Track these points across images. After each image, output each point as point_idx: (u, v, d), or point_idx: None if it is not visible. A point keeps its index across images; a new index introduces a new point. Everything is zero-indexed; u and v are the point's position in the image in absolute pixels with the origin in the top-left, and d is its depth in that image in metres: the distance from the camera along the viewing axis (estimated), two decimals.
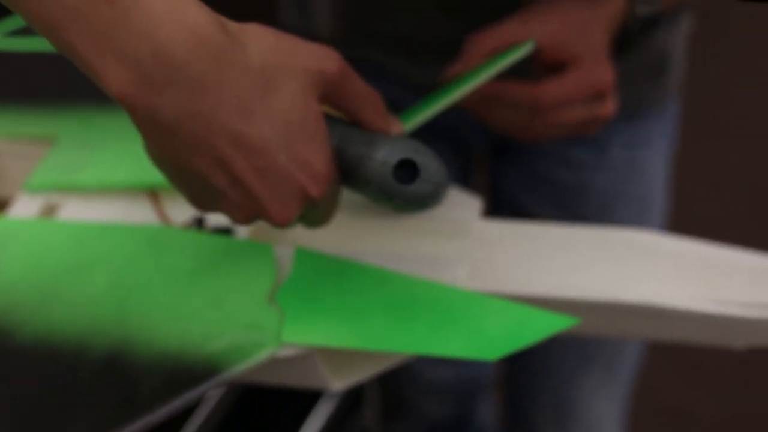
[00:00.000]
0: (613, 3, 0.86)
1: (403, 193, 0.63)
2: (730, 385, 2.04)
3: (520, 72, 0.84)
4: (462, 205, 0.79)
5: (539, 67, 0.85)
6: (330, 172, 0.61)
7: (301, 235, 0.79)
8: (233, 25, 0.59)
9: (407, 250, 0.77)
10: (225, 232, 0.77)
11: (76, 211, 0.80)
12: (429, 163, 0.63)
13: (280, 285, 0.71)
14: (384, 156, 0.62)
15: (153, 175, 0.81)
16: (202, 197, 0.61)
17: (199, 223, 0.77)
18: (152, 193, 0.81)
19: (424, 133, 1.05)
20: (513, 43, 0.82)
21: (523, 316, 0.67)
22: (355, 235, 0.79)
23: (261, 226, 0.79)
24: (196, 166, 0.59)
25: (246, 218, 0.62)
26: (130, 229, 0.76)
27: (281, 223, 0.61)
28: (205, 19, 0.57)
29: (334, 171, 0.62)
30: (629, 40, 0.89)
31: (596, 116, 0.83)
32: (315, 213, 0.64)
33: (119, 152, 0.83)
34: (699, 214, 2.35)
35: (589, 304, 0.72)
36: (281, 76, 0.59)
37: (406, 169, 0.63)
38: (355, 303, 0.69)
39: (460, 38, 0.89)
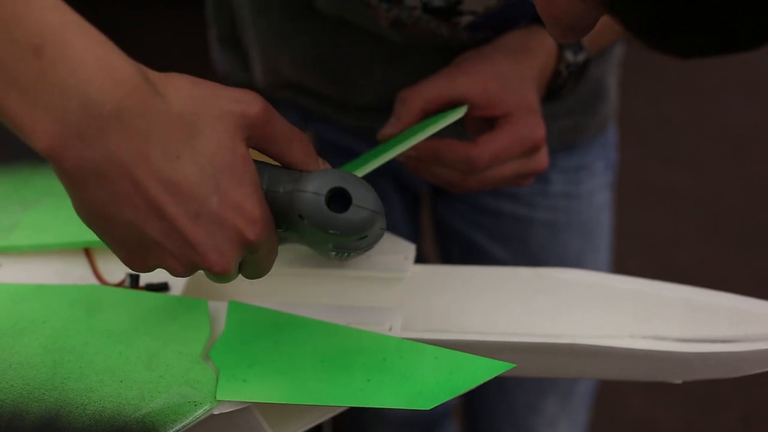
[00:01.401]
0: (541, 54, 0.85)
1: (338, 222, 0.62)
2: (693, 396, 2.04)
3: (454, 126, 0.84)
4: (397, 251, 0.79)
5: (471, 122, 0.85)
6: (263, 213, 0.61)
7: (234, 286, 0.79)
8: (153, 74, 0.59)
9: (342, 299, 0.77)
10: (160, 288, 0.77)
11: (13, 271, 0.79)
12: (361, 189, 0.62)
13: (215, 340, 0.71)
14: (315, 187, 0.62)
15: (86, 234, 0.80)
16: (137, 253, 0.60)
17: (133, 280, 0.77)
18: (87, 251, 0.80)
19: (367, 176, 1.05)
20: (443, 100, 0.82)
21: (457, 363, 0.67)
22: (289, 285, 0.79)
23: (195, 280, 0.79)
24: (129, 216, 0.58)
25: (184, 268, 0.61)
26: (64, 289, 0.75)
27: (221, 272, 0.60)
28: (130, 70, 0.56)
29: (268, 212, 0.62)
30: (563, 85, 0.89)
31: (530, 170, 0.83)
32: (254, 260, 0.63)
33: (53, 211, 0.83)
34: (646, 235, 2.36)
35: (525, 347, 0.72)
36: (203, 120, 0.59)
37: (339, 200, 0.62)
38: (290, 357, 0.69)
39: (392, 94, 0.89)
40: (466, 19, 0.86)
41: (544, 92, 0.88)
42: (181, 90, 0.59)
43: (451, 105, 0.82)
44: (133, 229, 0.59)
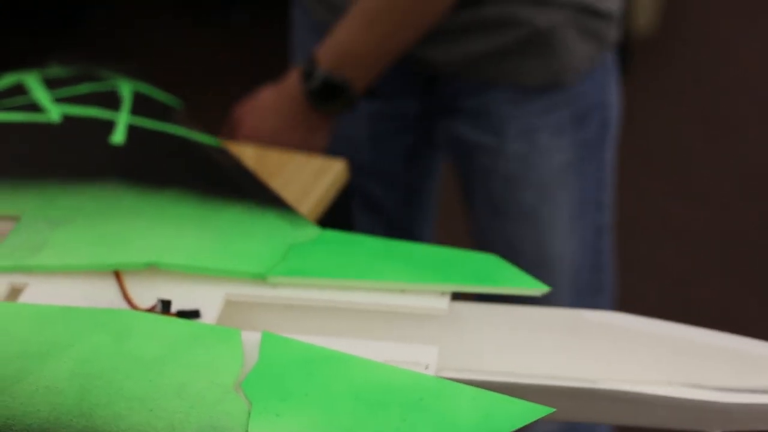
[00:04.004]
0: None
1: None
2: None
3: None
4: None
5: None
6: None
7: (268, 320, 0.78)
8: None
9: (377, 334, 0.76)
10: (191, 314, 0.75)
11: (40, 291, 0.78)
12: None
13: (247, 372, 0.69)
14: None
15: (116, 256, 0.79)
16: None
17: (165, 306, 0.75)
18: (117, 274, 0.79)
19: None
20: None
21: (495, 405, 0.66)
22: (324, 318, 0.78)
23: (228, 310, 0.77)
24: None
25: None
26: (93, 312, 0.74)
27: None
28: None
29: None
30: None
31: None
32: None
33: (83, 232, 0.82)
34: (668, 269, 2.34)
35: (563, 391, 0.71)
36: None
37: None
38: (323, 392, 0.68)
39: None
40: None
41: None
42: None
43: None
44: None
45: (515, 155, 1.19)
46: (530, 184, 1.19)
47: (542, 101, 1.17)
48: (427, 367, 0.71)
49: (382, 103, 1.23)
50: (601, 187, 1.25)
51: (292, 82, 1.13)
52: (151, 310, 0.76)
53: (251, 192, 0.87)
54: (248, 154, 1.06)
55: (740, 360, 0.73)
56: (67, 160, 0.92)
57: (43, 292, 0.78)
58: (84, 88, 1.01)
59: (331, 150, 1.17)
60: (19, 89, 1.01)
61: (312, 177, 1.06)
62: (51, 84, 1.02)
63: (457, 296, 0.78)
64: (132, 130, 0.95)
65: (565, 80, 1.17)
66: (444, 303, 0.76)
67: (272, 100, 1.15)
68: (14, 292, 0.79)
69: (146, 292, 0.78)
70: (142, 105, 1.00)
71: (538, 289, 0.76)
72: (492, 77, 1.17)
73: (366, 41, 1.10)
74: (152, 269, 0.80)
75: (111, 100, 1.00)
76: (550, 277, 1.18)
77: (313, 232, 0.84)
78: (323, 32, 1.13)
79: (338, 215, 1.00)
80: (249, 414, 0.66)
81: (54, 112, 0.97)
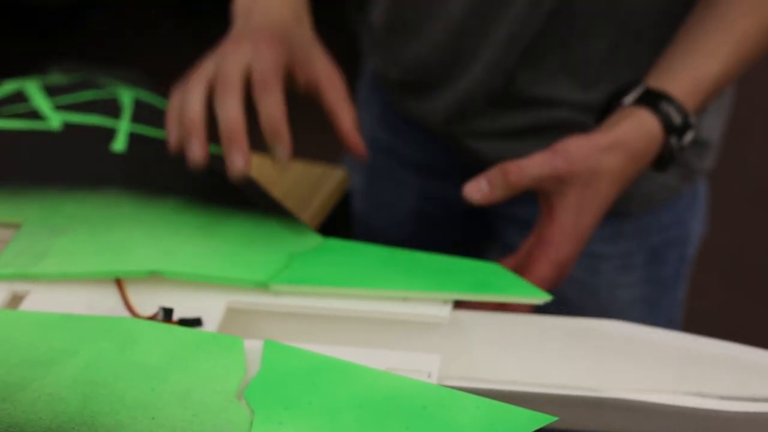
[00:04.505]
0: (648, 158, 0.85)
1: None
2: None
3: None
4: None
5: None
6: None
7: (270, 328, 0.77)
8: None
9: (379, 342, 0.76)
10: (193, 322, 0.75)
11: (42, 299, 0.78)
12: None
13: (250, 380, 0.69)
14: None
15: (118, 264, 0.79)
16: None
17: (167, 314, 0.75)
18: (118, 282, 0.79)
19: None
20: (545, 184, 0.81)
21: (498, 414, 0.66)
22: (325, 326, 0.77)
23: (230, 318, 0.77)
24: None
25: None
26: (95, 320, 0.74)
27: None
28: None
29: None
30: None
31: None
32: None
33: (85, 240, 0.82)
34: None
35: (566, 400, 0.71)
36: None
37: None
38: (326, 400, 0.67)
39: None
40: None
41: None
42: None
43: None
44: None
45: (574, 280, 1.00)
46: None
47: (608, 227, 1.00)
48: (429, 376, 0.71)
49: (434, 185, 1.15)
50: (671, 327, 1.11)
51: (639, 142, 0.84)
52: (153, 317, 0.75)
53: (253, 200, 0.86)
54: None
55: (743, 368, 0.73)
56: (68, 167, 0.91)
57: (45, 300, 0.78)
58: (84, 96, 1.01)
59: (373, 216, 1.13)
60: (20, 96, 1.01)
61: (313, 185, 1.06)
62: (51, 91, 1.02)
63: (460, 304, 0.78)
64: (133, 138, 0.95)
65: (633, 209, 1.03)
66: (446, 311, 0.76)
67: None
68: (16, 300, 0.79)
69: (148, 300, 0.78)
70: (143, 112, 1.00)
71: (539, 297, 0.76)
72: None
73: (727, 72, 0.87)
74: (154, 277, 0.79)
75: (112, 108, 0.99)
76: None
77: (315, 240, 0.84)
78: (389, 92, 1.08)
79: (338, 223, 1.00)
80: (251, 422, 0.66)
81: (54, 120, 0.97)
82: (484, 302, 0.77)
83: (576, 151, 0.81)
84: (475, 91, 1.02)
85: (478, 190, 0.79)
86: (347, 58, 1.06)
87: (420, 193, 1.16)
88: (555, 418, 0.65)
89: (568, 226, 0.81)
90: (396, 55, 1.08)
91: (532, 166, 0.79)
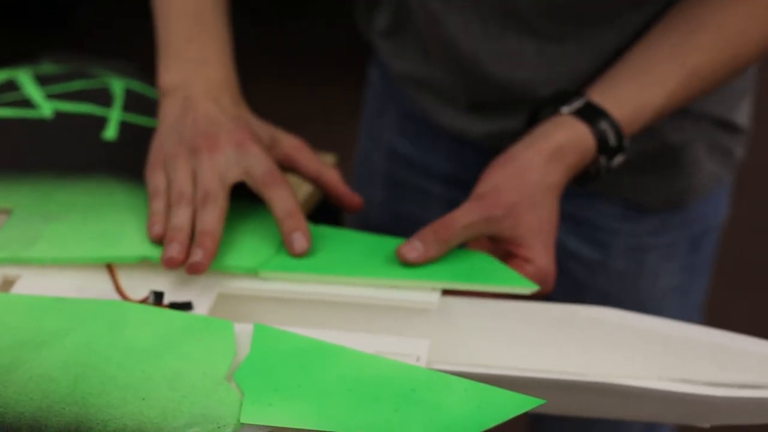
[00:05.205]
0: (576, 156, 0.84)
1: None
2: None
3: None
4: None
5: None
6: None
7: (259, 312, 0.78)
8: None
9: (369, 327, 0.76)
10: (184, 306, 0.76)
11: (33, 283, 0.78)
12: None
13: (239, 363, 0.70)
14: None
15: (110, 250, 0.80)
16: None
17: (157, 298, 0.76)
18: (109, 267, 0.79)
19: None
20: (477, 232, 0.80)
21: (486, 397, 0.66)
22: (316, 310, 0.78)
23: (221, 302, 0.78)
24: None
25: None
26: (86, 303, 0.74)
27: None
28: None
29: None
30: (588, 181, 0.87)
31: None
32: None
33: (76, 226, 0.82)
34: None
35: (554, 384, 0.71)
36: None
37: None
38: (316, 382, 0.68)
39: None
40: None
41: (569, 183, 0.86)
42: None
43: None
44: None
45: (617, 273, 1.05)
46: (625, 306, 0.88)
47: (658, 220, 1.03)
48: (418, 359, 0.71)
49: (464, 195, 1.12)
50: (697, 314, 1.13)
51: (574, 155, 0.84)
52: (144, 301, 0.76)
53: (242, 187, 0.87)
54: None
55: (727, 355, 0.73)
56: (59, 155, 0.92)
57: (36, 284, 0.78)
58: (76, 85, 1.02)
59: (392, 228, 1.10)
60: (11, 85, 1.01)
61: None
62: (43, 81, 1.02)
63: (449, 290, 0.79)
64: (124, 126, 0.96)
65: (687, 201, 1.03)
66: (435, 297, 0.77)
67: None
68: (7, 284, 0.79)
69: (139, 286, 0.78)
70: (133, 102, 1.00)
71: (528, 287, 0.77)
72: (603, 190, 1.02)
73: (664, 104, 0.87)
74: (145, 263, 0.80)
75: (103, 97, 1.00)
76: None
77: None
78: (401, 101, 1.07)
79: (329, 209, 1.00)
80: (241, 404, 0.66)
81: (46, 108, 0.97)
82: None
83: (504, 183, 0.81)
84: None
85: (414, 249, 0.79)
86: (352, 62, 1.04)
87: (448, 204, 1.11)
88: (542, 402, 0.65)
89: (539, 246, 0.81)
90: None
91: (459, 217, 0.80)
